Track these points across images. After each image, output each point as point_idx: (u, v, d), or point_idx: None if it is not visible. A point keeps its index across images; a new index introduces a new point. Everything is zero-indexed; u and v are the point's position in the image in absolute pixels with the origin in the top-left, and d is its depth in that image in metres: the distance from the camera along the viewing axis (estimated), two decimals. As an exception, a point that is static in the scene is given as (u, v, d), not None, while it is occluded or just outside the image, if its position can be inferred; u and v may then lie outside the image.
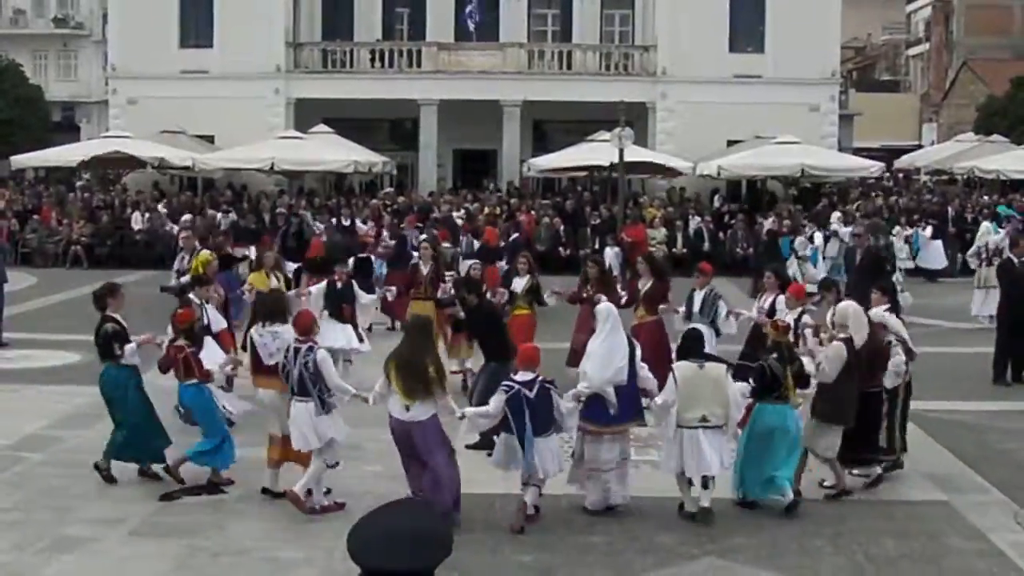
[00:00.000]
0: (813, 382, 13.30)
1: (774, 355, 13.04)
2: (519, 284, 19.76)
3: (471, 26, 49.81)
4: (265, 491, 13.23)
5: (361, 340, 19.27)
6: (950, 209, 39.51)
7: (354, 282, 19.94)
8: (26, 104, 58.63)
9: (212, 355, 15.46)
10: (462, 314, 17.39)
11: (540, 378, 12.19)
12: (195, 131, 46.79)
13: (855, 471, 13.88)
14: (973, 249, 27.87)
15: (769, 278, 17.81)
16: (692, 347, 13.09)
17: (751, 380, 13.00)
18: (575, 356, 19.65)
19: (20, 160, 46.48)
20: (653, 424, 13.72)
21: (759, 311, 17.35)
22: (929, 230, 35.11)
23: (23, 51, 68.00)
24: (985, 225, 28.39)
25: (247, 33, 46.91)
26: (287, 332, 13.08)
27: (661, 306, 18.74)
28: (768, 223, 33.19)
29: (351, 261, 23.20)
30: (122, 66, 49.26)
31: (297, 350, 12.61)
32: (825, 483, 13.63)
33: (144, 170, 44.63)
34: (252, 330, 13.69)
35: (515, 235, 28.78)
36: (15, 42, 69.16)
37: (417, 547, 3.87)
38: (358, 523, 4.11)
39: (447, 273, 21.20)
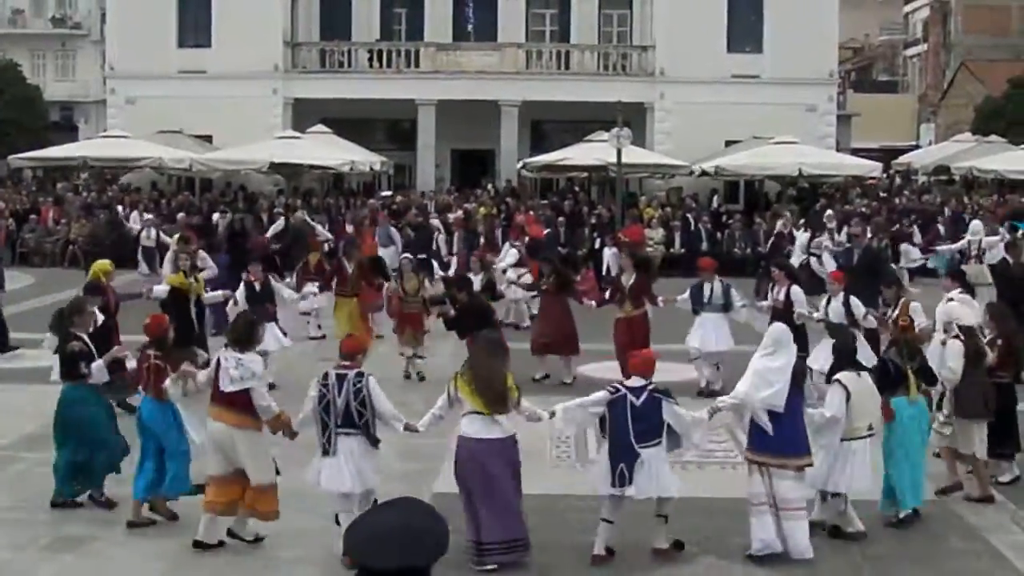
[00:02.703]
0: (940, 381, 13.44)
1: (893, 350, 13.15)
2: (476, 282, 19.94)
3: (468, 26, 49.83)
4: (232, 535, 11.95)
5: (285, 334, 19.32)
6: (947, 209, 39.50)
7: (272, 280, 19.95)
8: (24, 104, 58.58)
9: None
10: (452, 312, 17.43)
11: (651, 387, 11.47)
12: (193, 131, 46.81)
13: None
14: (956, 246, 27.95)
15: (777, 272, 18.62)
16: (847, 355, 12.63)
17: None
18: (541, 346, 19.88)
19: (18, 160, 46.43)
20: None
21: (775, 302, 17.93)
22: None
23: (21, 51, 67.96)
24: (976, 224, 28.31)
25: (245, 33, 46.89)
26: (252, 361, 11.79)
27: (660, 299, 19.15)
28: (778, 225, 32.54)
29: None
30: (120, 66, 49.24)
31: (342, 376, 11.46)
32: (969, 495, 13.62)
33: (142, 170, 44.65)
34: (220, 352, 12.08)
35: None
36: (13, 42, 69.13)
37: (412, 545, 3.88)
38: (355, 521, 4.13)
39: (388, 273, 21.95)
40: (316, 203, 40.15)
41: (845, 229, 30.03)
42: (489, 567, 11.13)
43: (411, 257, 22.14)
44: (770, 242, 32.71)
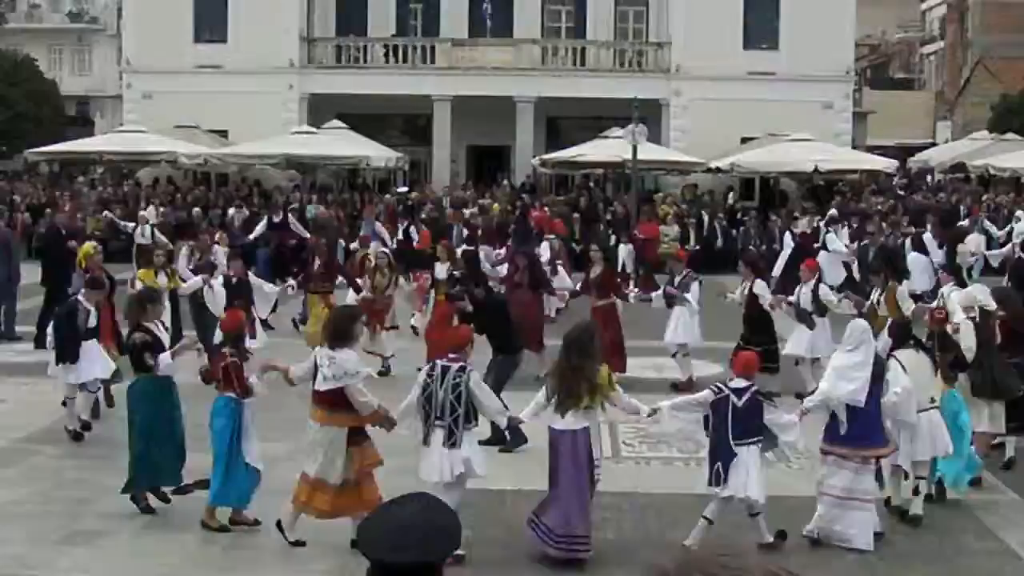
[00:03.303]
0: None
1: (929, 342, 13.46)
2: (441, 271, 19.89)
3: (488, 21, 49.80)
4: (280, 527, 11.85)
5: (253, 337, 18.81)
6: (962, 207, 39.39)
7: (251, 274, 19.89)
8: (41, 98, 58.66)
9: (92, 359, 15.78)
10: (470, 308, 17.43)
11: (754, 388, 11.76)
12: (209, 126, 46.80)
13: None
14: (1004, 251, 27.93)
15: (743, 267, 19.24)
16: (904, 333, 13.35)
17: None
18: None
19: (34, 154, 46.53)
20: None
21: (743, 296, 18.58)
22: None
23: (38, 45, 68.08)
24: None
25: (261, 28, 46.92)
26: (346, 359, 11.59)
27: (632, 293, 19.72)
28: (802, 224, 31.76)
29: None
30: (137, 60, 49.31)
31: (446, 369, 11.54)
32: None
33: (157, 165, 44.73)
34: (316, 349, 11.97)
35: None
36: (30, 36, 69.25)
37: (424, 540, 3.88)
38: (368, 516, 4.15)
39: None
40: (332, 198, 40.19)
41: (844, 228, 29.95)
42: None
43: (386, 252, 21.96)
44: (795, 243, 32.17)
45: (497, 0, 50.13)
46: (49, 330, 16.22)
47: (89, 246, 18.75)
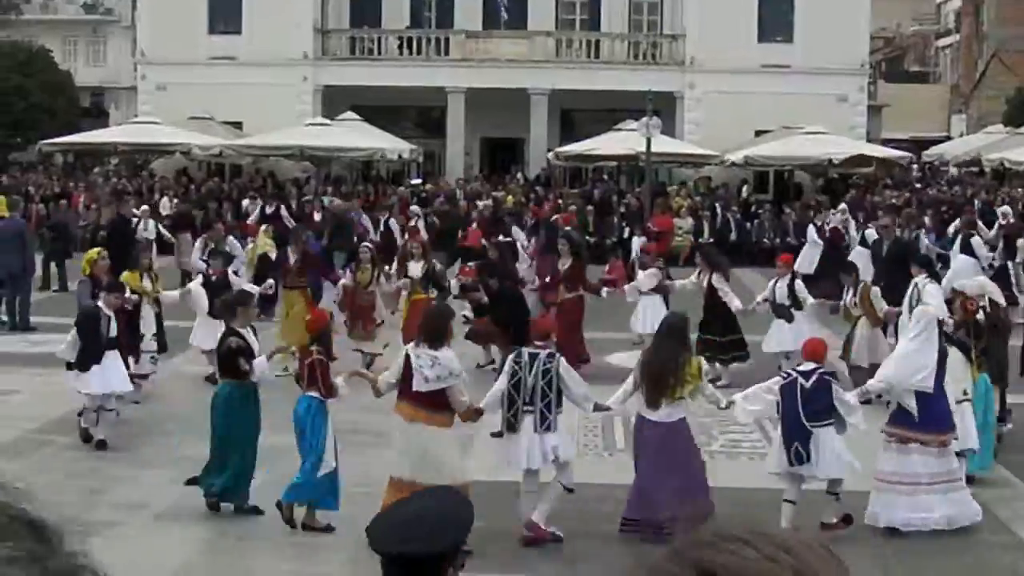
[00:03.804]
0: None
1: (962, 331, 13.95)
2: (415, 269, 19.49)
3: (502, 13, 49.75)
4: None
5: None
6: (976, 202, 39.24)
7: (231, 274, 18.84)
8: (55, 89, 58.67)
9: (111, 371, 14.81)
10: (485, 299, 17.40)
11: (821, 369, 12.04)
12: (223, 117, 46.86)
13: None
14: None
15: (700, 260, 19.81)
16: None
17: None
18: (474, 335, 19.72)
19: (49, 145, 46.62)
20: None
21: (702, 289, 18.93)
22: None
23: (53, 37, 68.03)
24: None
25: (275, 20, 46.95)
26: (448, 359, 11.45)
27: (605, 290, 19.82)
28: (835, 218, 30.88)
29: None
30: (151, 52, 49.38)
31: (534, 356, 11.74)
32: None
33: (172, 156, 44.79)
34: (410, 349, 11.72)
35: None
36: (45, 27, 69.22)
37: (430, 532, 3.92)
38: (379, 513, 4.18)
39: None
40: (346, 190, 40.20)
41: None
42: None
43: (369, 247, 21.18)
44: (824, 239, 31.68)
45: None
46: (69, 337, 15.17)
47: (94, 252, 17.59)
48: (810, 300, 18.57)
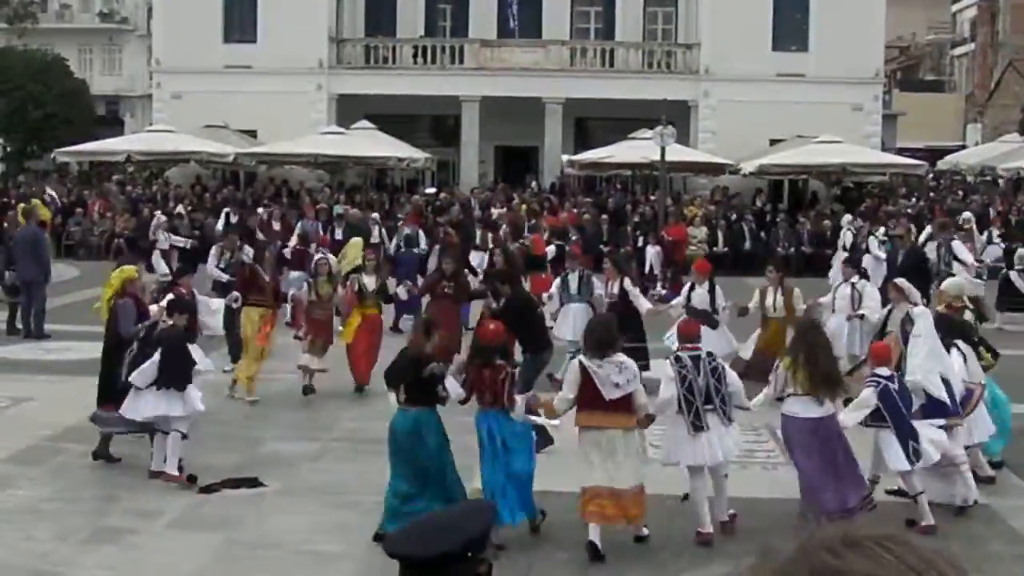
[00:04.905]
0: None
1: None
2: (370, 281, 19.01)
3: (512, 22, 49.81)
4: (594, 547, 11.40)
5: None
6: (991, 210, 39.20)
7: (195, 291, 17.21)
8: (71, 98, 58.90)
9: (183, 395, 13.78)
10: (495, 304, 17.38)
11: (896, 373, 12.72)
12: (238, 126, 46.98)
13: None
14: None
15: (608, 267, 19.77)
16: (946, 324, 14.18)
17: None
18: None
19: (63, 154, 46.75)
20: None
21: (610, 296, 18.98)
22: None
23: (69, 45, 68.36)
24: None
25: (290, 28, 47.07)
26: (630, 362, 11.71)
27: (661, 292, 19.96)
28: (857, 227, 30.49)
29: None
30: (166, 60, 49.52)
31: (696, 358, 12.14)
32: None
33: (187, 164, 44.90)
34: (585, 361, 11.63)
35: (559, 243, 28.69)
36: (61, 36, 69.53)
37: (431, 535, 4.02)
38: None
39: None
40: (360, 199, 40.25)
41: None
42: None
43: (327, 258, 20.19)
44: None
45: (526, 1, 50.16)
46: (151, 363, 13.66)
47: (132, 269, 16.05)
48: (726, 306, 18.79)
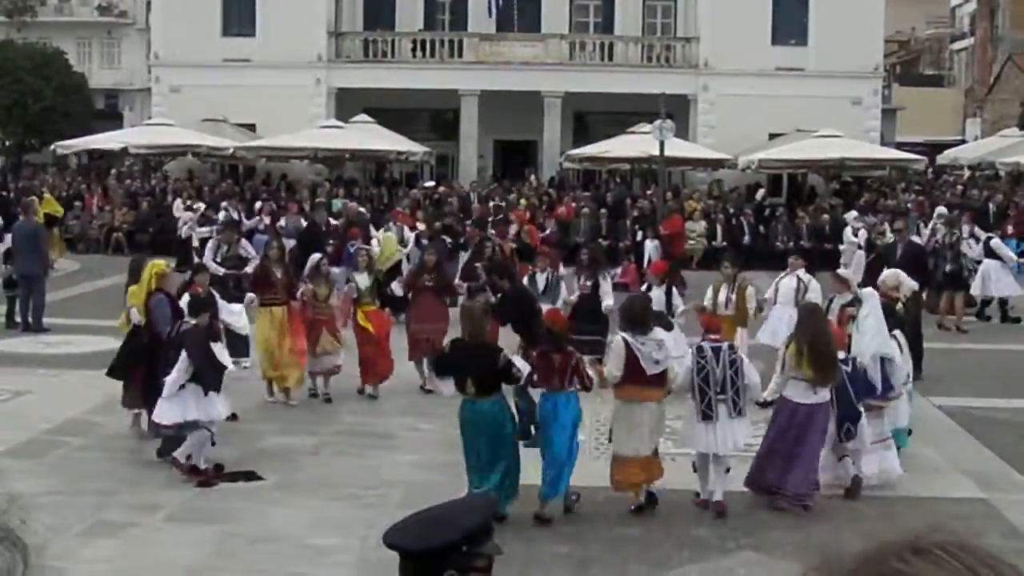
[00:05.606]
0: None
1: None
2: (363, 280, 18.59)
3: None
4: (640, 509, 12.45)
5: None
6: (991, 204, 39.18)
7: (214, 292, 16.48)
8: (70, 91, 58.84)
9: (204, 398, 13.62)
10: (493, 299, 17.35)
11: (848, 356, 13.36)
12: (237, 119, 46.97)
13: None
14: None
15: (796, 258, 20.37)
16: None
17: None
18: (416, 349, 18.52)
19: (63, 147, 46.74)
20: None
21: (582, 288, 19.26)
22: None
23: (68, 39, 68.23)
24: None
25: (289, 22, 47.06)
26: (664, 338, 12.71)
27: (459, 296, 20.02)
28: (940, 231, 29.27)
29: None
30: (165, 54, 49.48)
31: (717, 349, 12.63)
32: None
33: (185, 157, 44.88)
34: (629, 339, 12.21)
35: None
36: (60, 29, 69.40)
37: (423, 529, 4.06)
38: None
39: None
40: (359, 193, 40.23)
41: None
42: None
43: (366, 249, 20.06)
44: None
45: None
46: (180, 366, 13.44)
47: (162, 264, 15.66)
48: (682, 307, 18.68)
